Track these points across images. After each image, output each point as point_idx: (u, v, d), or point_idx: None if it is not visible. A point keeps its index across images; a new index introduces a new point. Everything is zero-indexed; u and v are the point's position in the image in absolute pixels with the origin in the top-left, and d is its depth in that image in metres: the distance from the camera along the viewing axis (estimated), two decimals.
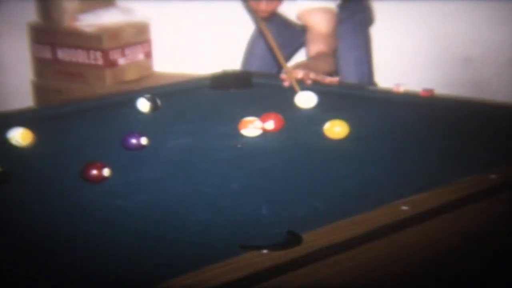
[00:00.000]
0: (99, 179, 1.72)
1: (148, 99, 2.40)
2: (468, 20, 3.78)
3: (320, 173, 1.81)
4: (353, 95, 2.59)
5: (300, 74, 2.64)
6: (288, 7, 3.13)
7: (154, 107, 2.40)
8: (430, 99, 2.42)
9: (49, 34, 4.08)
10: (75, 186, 1.72)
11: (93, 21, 4.01)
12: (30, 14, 4.11)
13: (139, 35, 4.12)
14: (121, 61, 4.00)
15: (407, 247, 1.47)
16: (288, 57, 3.35)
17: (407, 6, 3.86)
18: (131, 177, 1.81)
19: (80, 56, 3.98)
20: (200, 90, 2.75)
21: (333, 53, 3.08)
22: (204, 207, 1.59)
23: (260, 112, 2.16)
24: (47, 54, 4.09)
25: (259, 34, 3.28)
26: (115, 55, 3.97)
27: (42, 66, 4.14)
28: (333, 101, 2.49)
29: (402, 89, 2.50)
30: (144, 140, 1.98)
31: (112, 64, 3.96)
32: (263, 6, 3.01)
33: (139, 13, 4.15)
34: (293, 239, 1.33)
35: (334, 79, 2.73)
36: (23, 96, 4.02)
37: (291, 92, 2.50)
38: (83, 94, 3.69)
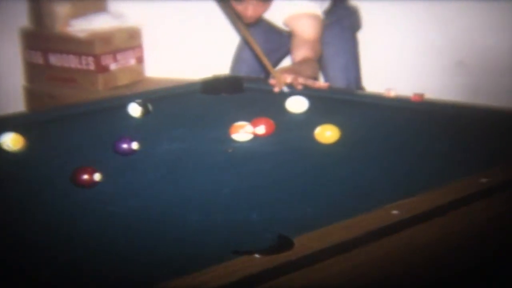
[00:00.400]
0: (90, 184, 1.72)
1: (140, 104, 2.40)
2: (460, 24, 3.80)
3: (311, 178, 1.82)
4: (344, 100, 2.59)
5: (288, 78, 2.64)
6: (275, 13, 3.12)
7: (146, 112, 2.40)
8: (421, 103, 2.43)
9: (41, 40, 4.08)
10: (66, 191, 1.72)
11: (85, 26, 4.01)
12: (22, 19, 4.11)
13: (130, 40, 4.12)
14: (113, 66, 4.01)
15: (397, 251, 1.47)
16: (276, 63, 3.36)
17: (398, 10, 3.87)
18: (122, 182, 1.80)
19: (72, 61, 3.98)
20: (191, 95, 2.75)
21: (318, 59, 3.08)
22: (195, 212, 1.59)
23: (251, 117, 2.16)
24: (39, 59, 4.08)
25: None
26: (107, 60, 3.97)
27: (34, 71, 4.14)
28: (324, 105, 2.49)
29: (393, 93, 2.51)
30: (135, 145, 1.98)
31: (104, 69, 3.96)
32: (250, 12, 3.00)
33: (131, 18, 4.15)
34: (284, 243, 1.33)
35: (324, 84, 2.73)
36: (14, 102, 4.01)
37: (282, 96, 2.50)
38: (75, 99, 3.68)
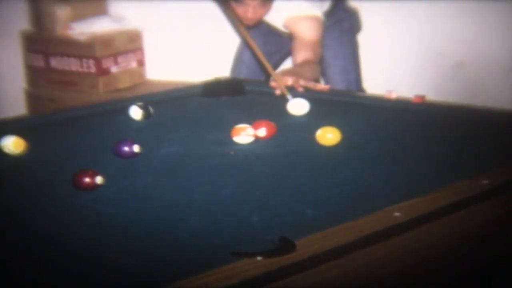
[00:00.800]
0: (91, 186, 1.72)
1: (141, 107, 2.40)
2: (461, 25, 3.79)
3: (312, 180, 1.82)
4: (345, 102, 2.60)
5: (289, 81, 2.64)
6: (275, 15, 3.12)
7: (147, 115, 2.40)
8: (422, 105, 2.43)
9: (41, 43, 4.08)
10: (68, 194, 1.72)
11: (86, 29, 4.01)
12: (23, 22, 4.11)
13: (131, 43, 4.13)
14: (114, 69, 4.01)
15: (399, 253, 1.47)
16: (275, 65, 3.36)
17: (398, 11, 3.87)
18: (123, 184, 1.80)
19: (72, 64, 3.99)
20: (192, 97, 2.75)
21: (319, 61, 3.08)
22: (196, 215, 1.59)
23: (252, 119, 2.16)
24: (39, 62, 4.09)
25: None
26: (107, 63, 3.97)
27: (34, 75, 4.14)
28: (325, 108, 2.49)
29: (394, 95, 2.51)
30: (136, 148, 1.98)
31: (105, 72, 3.96)
32: (250, 14, 3.00)
33: (132, 21, 4.15)
34: (286, 245, 1.33)
35: (325, 86, 2.73)
36: (15, 105, 4.02)
37: (283, 99, 2.50)
38: (76, 102, 3.69)
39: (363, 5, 3.51)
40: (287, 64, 3.47)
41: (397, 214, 1.49)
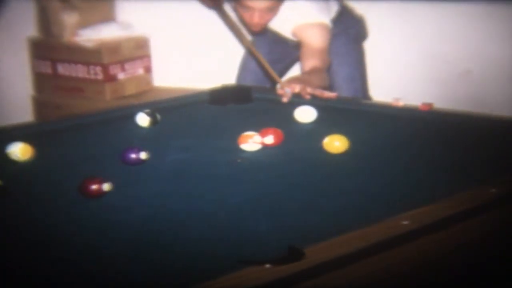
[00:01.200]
0: (98, 194, 1.72)
1: (148, 114, 2.40)
2: (468, 33, 3.79)
3: (320, 188, 1.81)
4: (352, 110, 2.59)
5: (297, 88, 2.64)
6: (282, 23, 3.12)
7: (154, 122, 2.40)
8: (429, 113, 2.42)
9: (49, 49, 4.08)
10: (75, 201, 1.72)
11: (93, 36, 4.02)
12: (30, 29, 4.12)
13: (138, 50, 4.13)
14: (121, 75, 4.01)
15: (407, 262, 1.47)
16: (281, 73, 3.35)
17: (406, 19, 3.87)
18: (130, 192, 1.80)
19: (80, 71, 3.99)
20: (199, 104, 2.75)
21: (327, 69, 3.08)
22: (204, 222, 1.59)
23: (259, 127, 2.16)
24: (47, 69, 4.09)
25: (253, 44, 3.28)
26: (115, 70, 3.97)
27: (42, 81, 4.14)
28: (332, 115, 2.49)
29: (401, 103, 2.50)
30: (143, 155, 1.98)
31: (112, 78, 3.96)
32: (256, 19, 3.00)
33: (139, 28, 4.15)
34: (295, 253, 1.32)
35: (332, 94, 2.73)
36: (23, 111, 4.02)
37: (290, 106, 2.50)
38: (83, 108, 3.70)
39: (371, 12, 3.51)
40: (293, 72, 3.47)
41: (405, 222, 1.48)
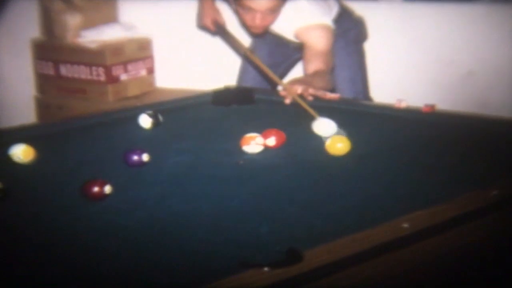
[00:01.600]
0: (100, 196, 1.72)
1: (150, 115, 2.40)
2: (470, 34, 3.78)
3: (321, 190, 1.81)
4: (354, 111, 2.59)
5: (299, 89, 2.64)
6: (284, 25, 3.12)
7: (156, 123, 2.40)
8: (432, 114, 2.42)
9: (51, 50, 4.09)
10: (77, 203, 1.72)
11: (96, 37, 4.02)
12: (33, 30, 4.13)
13: (141, 51, 4.13)
14: (123, 77, 4.02)
15: (408, 265, 1.46)
16: (282, 75, 3.35)
17: (408, 20, 3.86)
18: (132, 194, 1.80)
19: (82, 72, 3.99)
20: (202, 106, 2.75)
21: (331, 71, 3.07)
22: (205, 225, 1.59)
23: (261, 129, 2.16)
24: (49, 70, 4.10)
25: (253, 51, 3.27)
26: (117, 71, 3.98)
27: (44, 82, 4.15)
28: (334, 117, 2.48)
29: (403, 104, 2.50)
30: (145, 157, 1.98)
31: (115, 80, 3.97)
32: (258, 21, 3.00)
33: (142, 29, 4.16)
34: (294, 256, 1.32)
35: (335, 95, 2.72)
36: (25, 112, 4.03)
37: (293, 108, 2.49)
38: (85, 110, 3.70)
39: (374, 14, 3.50)
40: (295, 73, 3.46)
41: (405, 225, 1.48)
